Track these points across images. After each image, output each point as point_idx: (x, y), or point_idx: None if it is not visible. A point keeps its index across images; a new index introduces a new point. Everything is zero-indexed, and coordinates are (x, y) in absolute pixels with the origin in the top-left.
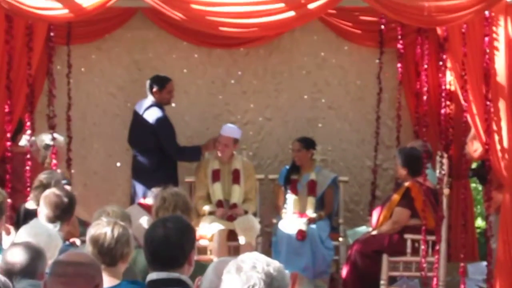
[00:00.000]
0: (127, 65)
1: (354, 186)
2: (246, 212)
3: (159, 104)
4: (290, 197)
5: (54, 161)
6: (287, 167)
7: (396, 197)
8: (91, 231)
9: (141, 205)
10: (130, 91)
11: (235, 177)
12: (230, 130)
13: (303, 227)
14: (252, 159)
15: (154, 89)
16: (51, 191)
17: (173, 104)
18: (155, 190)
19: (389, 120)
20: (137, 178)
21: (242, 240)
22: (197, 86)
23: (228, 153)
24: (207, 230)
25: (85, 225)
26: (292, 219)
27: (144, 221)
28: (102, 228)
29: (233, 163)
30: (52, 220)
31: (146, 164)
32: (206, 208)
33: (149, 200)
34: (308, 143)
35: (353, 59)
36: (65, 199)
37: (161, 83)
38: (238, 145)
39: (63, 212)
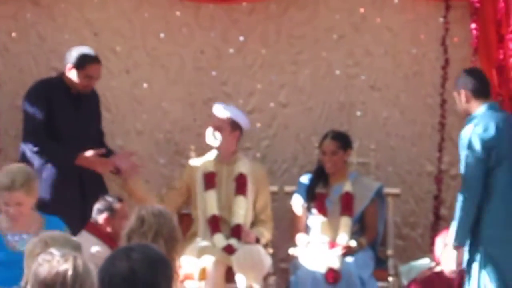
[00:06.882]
0: (77, 27)
1: (409, 201)
2: (257, 241)
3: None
4: (316, 220)
5: None
6: (309, 175)
7: None
8: (40, 272)
9: (91, 229)
10: None
11: (240, 184)
12: (221, 108)
13: (336, 264)
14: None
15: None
16: None
17: (144, 85)
18: (101, 205)
19: None
20: None
21: (241, 282)
22: (180, 57)
23: (226, 141)
24: (195, 265)
25: None
26: (319, 251)
27: (98, 252)
28: (58, 265)
29: (236, 164)
30: None
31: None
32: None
33: (101, 218)
34: (346, 141)
35: (406, 18)
36: None
37: (80, 61)
38: (239, 136)
39: None
